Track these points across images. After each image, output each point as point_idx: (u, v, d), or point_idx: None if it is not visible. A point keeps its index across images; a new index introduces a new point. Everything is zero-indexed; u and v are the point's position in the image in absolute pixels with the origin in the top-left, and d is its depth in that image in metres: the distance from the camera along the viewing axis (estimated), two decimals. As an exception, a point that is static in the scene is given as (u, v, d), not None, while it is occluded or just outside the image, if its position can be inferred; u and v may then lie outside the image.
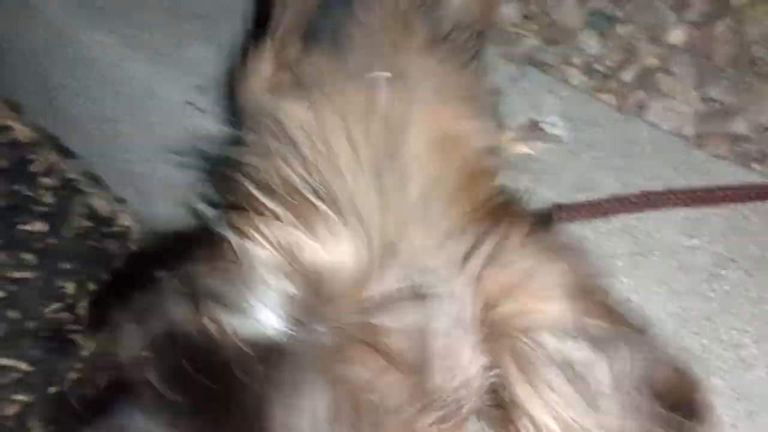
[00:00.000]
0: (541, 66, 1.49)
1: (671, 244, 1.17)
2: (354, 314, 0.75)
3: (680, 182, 1.25)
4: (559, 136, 1.32)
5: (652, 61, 1.48)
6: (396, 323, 0.75)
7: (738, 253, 1.16)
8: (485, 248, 0.79)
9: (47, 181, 1.73)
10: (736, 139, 1.36)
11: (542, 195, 1.23)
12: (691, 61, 1.46)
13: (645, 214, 1.21)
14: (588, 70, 1.49)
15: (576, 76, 1.48)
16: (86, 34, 1.53)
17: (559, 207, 1.15)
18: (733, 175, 1.26)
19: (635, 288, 1.12)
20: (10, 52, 1.73)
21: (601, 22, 1.56)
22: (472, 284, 0.77)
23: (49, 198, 1.71)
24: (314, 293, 0.75)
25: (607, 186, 1.25)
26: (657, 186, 1.24)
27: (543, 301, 0.79)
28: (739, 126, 1.38)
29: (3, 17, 1.68)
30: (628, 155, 1.30)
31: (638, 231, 1.19)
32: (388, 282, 0.76)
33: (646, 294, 1.11)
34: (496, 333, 0.77)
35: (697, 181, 1.25)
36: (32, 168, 1.75)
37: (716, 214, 1.21)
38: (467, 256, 0.79)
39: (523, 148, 1.31)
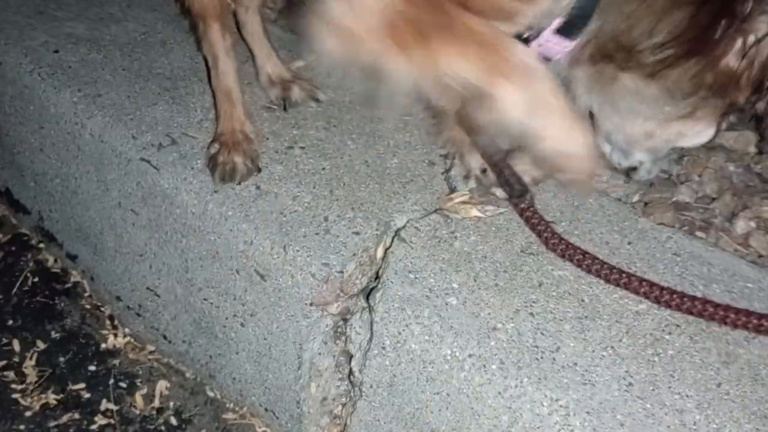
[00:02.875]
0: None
1: (618, 308, 1.19)
2: None
3: (626, 249, 1.28)
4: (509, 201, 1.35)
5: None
6: None
7: (682, 319, 1.18)
8: None
9: (-3, 235, 1.72)
10: (681, 207, 1.40)
11: (491, 257, 1.26)
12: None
13: (593, 278, 1.23)
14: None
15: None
16: (53, 92, 1.54)
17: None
18: (677, 243, 1.30)
19: (582, 352, 1.13)
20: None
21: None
22: None
23: (-4, 252, 1.70)
24: None
25: (556, 250, 1.27)
26: (604, 251, 1.27)
27: None
28: (684, 195, 1.42)
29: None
30: (576, 220, 1.33)
31: (586, 295, 1.21)
32: None
33: (591, 358, 1.12)
34: None
35: (642, 248, 1.28)
36: (-17, 222, 1.74)
37: (663, 280, 1.24)
38: None
39: (474, 212, 1.33)
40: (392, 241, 1.28)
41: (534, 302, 1.19)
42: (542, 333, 1.15)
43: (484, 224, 1.31)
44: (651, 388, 1.09)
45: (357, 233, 1.29)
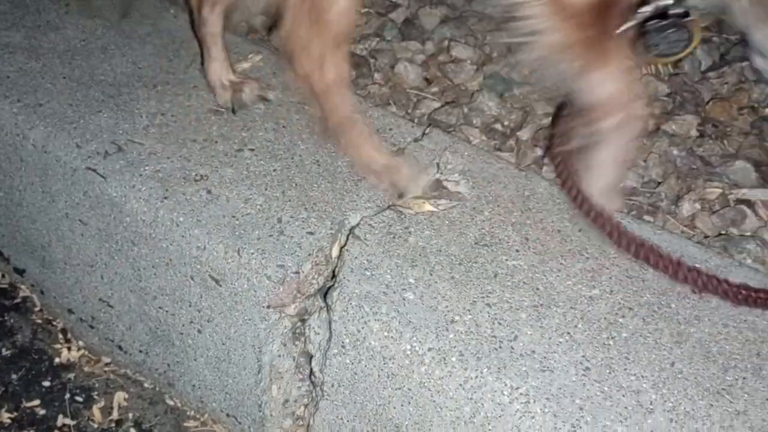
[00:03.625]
0: (443, 127, 1.54)
1: (572, 294, 1.21)
2: None
3: (578, 235, 1.30)
4: (461, 194, 1.36)
5: (548, 120, 1.55)
6: None
7: (635, 302, 1.21)
8: None
9: (-59, 253, 1.67)
10: (628, 193, 1.42)
11: (446, 250, 1.26)
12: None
13: (546, 265, 1.25)
14: (487, 130, 1.55)
15: (476, 136, 1.53)
16: (-11, 103, 1.50)
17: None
18: (627, 227, 1.32)
19: (539, 339, 1.14)
20: None
21: (499, 84, 1.63)
22: None
23: (-59, 271, 1.65)
24: None
25: (509, 240, 1.29)
26: (556, 239, 1.29)
27: None
28: (631, 181, 1.44)
29: None
30: (528, 210, 1.34)
31: (541, 283, 1.23)
32: None
33: (549, 345, 1.14)
34: None
35: (594, 234, 1.30)
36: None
37: (614, 265, 1.26)
38: None
39: (427, 206, 1.34)
40: (347, 239, 1.28)
41: (490, 293, 1.21)
42: (499, 323, 1.16)
43: (438, 218, 1.32)
44: (607, 371, 1.11)
45: (311, 233, 1.29)
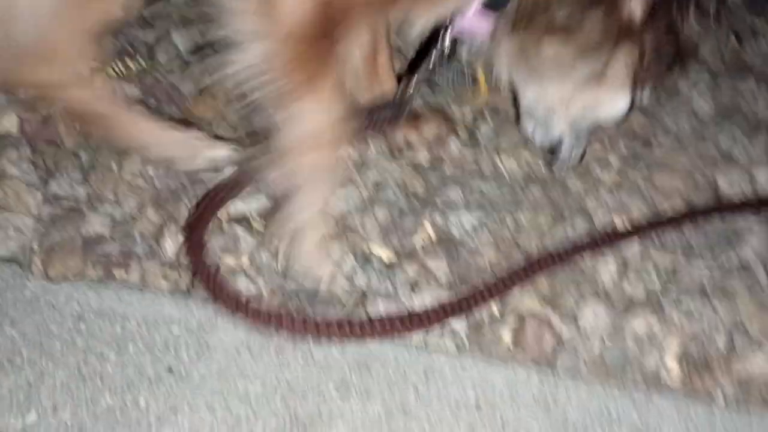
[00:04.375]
0: None
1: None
2: None
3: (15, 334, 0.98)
4: None
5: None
6: None
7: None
8: None
9: None
10: (94, 243, 1.11)
11: None
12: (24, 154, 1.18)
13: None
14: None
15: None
16: None
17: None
18: (79, 302, 1.02)
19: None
20: None
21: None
22: None
23: None
24: None
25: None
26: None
27: None
28: (95, 225, 1.13)
29: None
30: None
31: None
32: None
33: None
34: None
35: (37, 325, 0.99)
36: None
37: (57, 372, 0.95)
38: None
39: None
40: None
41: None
42: None
43: None
44: None
45: None
